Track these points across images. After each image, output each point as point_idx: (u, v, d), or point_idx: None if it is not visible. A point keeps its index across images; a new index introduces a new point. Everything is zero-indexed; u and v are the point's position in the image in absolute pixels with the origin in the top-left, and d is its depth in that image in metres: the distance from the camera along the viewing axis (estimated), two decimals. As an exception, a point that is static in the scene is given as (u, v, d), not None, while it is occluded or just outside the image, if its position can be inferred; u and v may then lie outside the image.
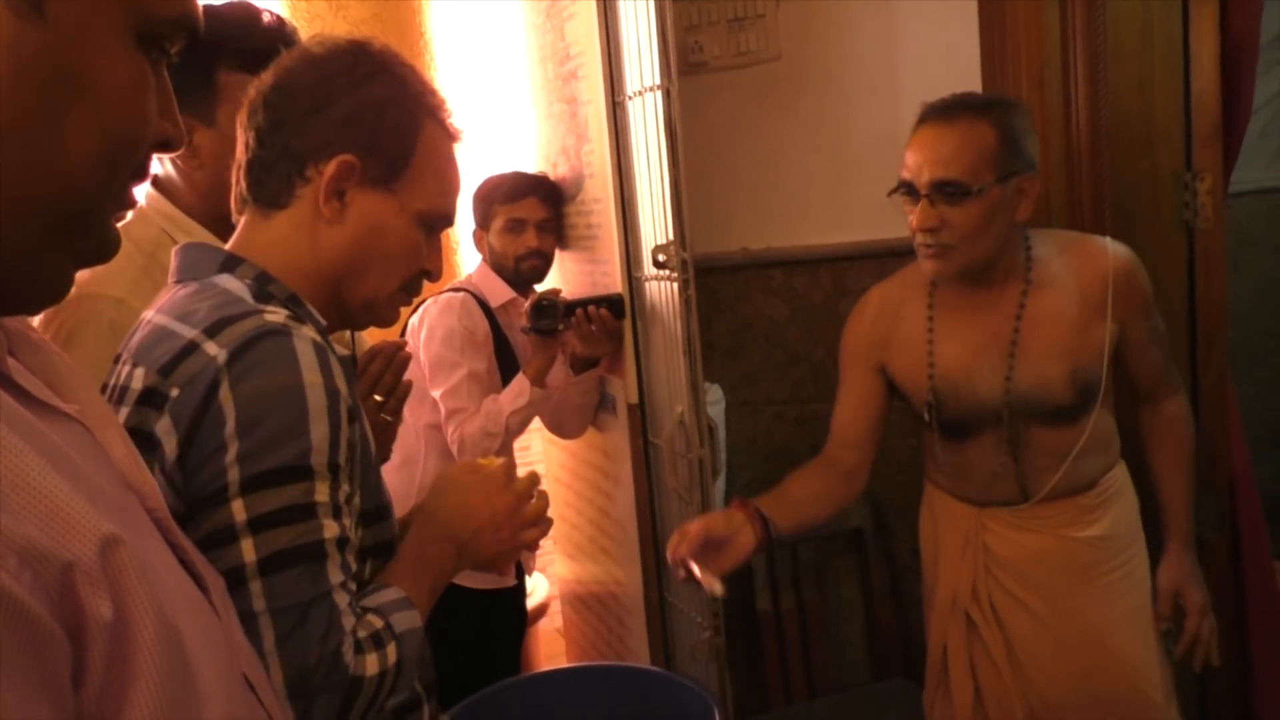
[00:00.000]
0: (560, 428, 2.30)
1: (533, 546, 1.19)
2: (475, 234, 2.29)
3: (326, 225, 1.04)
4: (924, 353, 1.72)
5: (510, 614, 2.30)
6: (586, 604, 2.55)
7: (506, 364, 2.18)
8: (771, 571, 2.42)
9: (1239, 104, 2.08)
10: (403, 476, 2.13)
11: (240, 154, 1.08)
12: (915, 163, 1.59)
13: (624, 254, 2.00)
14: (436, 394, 2.09)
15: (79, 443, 0.56)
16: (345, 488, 0.94)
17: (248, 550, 0.88)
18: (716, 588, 1.50)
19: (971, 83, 2.10)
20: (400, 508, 1.15)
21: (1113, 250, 1.67)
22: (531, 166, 2.45)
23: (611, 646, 2.37)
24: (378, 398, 1.39)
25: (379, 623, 0.96)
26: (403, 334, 2.18)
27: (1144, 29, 2.08)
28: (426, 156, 1.07)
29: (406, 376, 1.41)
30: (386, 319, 1.13)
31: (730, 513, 1.62)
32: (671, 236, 1.79)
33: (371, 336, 1.52)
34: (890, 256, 2.05)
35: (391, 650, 0.95)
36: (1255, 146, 3.21)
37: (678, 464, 1.89)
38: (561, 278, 2.36)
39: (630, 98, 1.88)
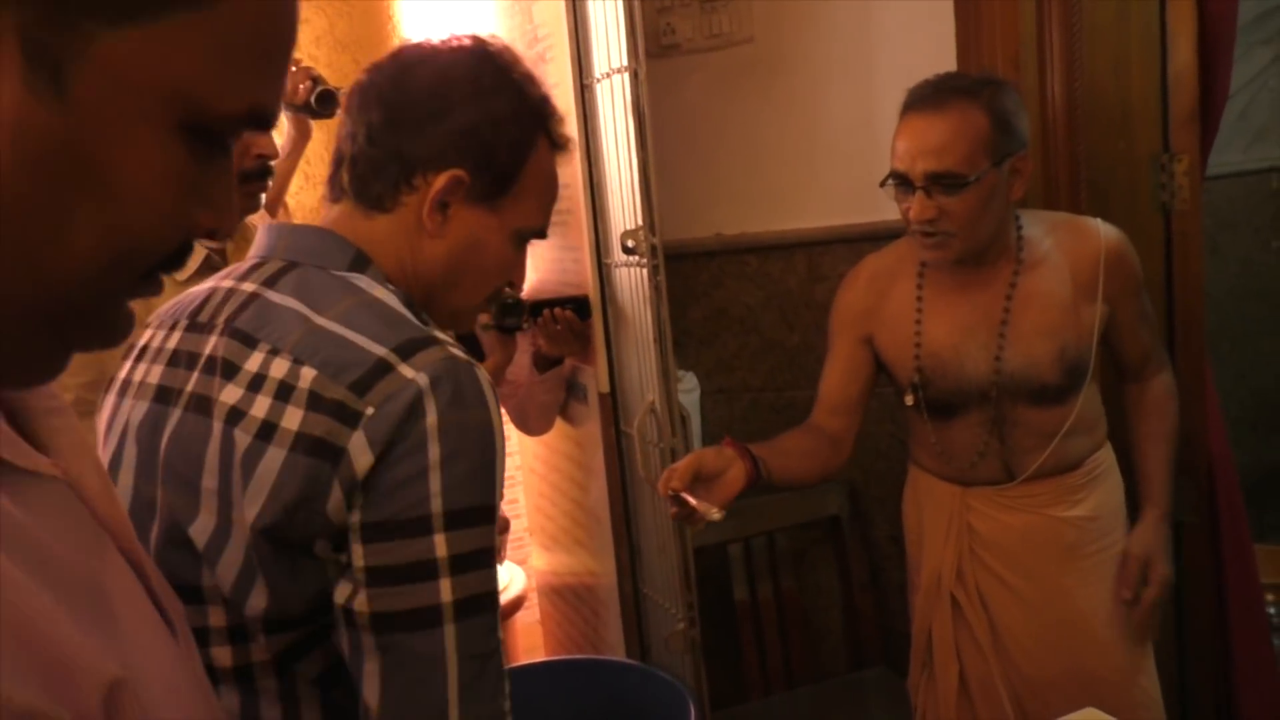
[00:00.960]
0: (524, 423, 2.27)
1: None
2: None
3: (428, 237, 1.03)
4: (910, 330, 1.71)
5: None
6: (563, 596, 2.52)
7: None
8: (748, 560, 2.39)
9: (1217, 85, 2.05)
10: None
11: (346, 145, 1.04)
12: (907, 153, 1.56)
13: (594, 240, 1.96)
14: None
15: (54, 503, 0.52)
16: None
17: (445, 590, 0.84)
18: (714, 513, 1.43)
19: (946, 65, 2.06)
20: None
21: (1104, 231, 1.66)
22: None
23: (588, 638, 2.35)
24: None
25: None
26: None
27: (1120, 9, 2.05)
28: (532, 176, 1.06)
29: None
30: (468, 326, 1.15)
31: (720, 449, 1.56)
32: (641, 222, 1.76)
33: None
34: (865, 241, 2.03)
35: None
36: (1234, 128, 3.20)
37: (649, 453, 1.86)
38: (531, 264, 2.31)
39: (598, 80, 1.84)
